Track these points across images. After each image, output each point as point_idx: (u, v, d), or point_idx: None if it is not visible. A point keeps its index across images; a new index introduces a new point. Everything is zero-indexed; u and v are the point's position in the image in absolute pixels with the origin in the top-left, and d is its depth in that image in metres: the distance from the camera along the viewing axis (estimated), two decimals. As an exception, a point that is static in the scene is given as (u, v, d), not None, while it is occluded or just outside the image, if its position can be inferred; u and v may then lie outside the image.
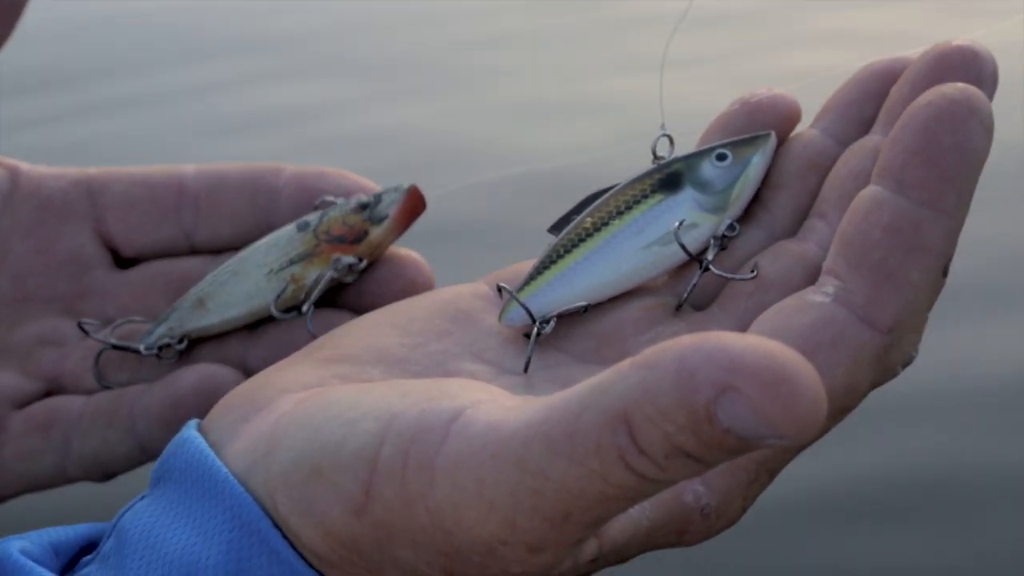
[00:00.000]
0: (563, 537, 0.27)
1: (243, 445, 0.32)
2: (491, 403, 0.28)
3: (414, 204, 0.43)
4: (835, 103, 0.38)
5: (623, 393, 0.25)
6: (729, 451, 0.25)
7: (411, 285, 0.43)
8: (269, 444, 0.31)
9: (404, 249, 0.44)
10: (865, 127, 0.37)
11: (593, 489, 0.26)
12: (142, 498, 0.33)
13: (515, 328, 0.36)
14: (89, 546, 0.34)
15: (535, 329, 0.36)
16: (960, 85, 0.32)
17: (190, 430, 0.33)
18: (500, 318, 0.37)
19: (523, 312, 0.36)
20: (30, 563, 0.31)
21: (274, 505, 0.30)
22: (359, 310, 0.42)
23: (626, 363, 0.26)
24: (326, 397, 0.31)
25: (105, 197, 0.45)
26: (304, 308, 0.42)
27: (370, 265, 0.43)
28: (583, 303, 0.37)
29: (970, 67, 0.34)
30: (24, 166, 0.46)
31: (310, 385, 0.33)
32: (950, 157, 0.31)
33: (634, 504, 0.27)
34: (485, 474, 0.27)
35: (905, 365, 0.34)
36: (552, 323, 0.36)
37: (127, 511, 0.33)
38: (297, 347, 0.39)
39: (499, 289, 0.37)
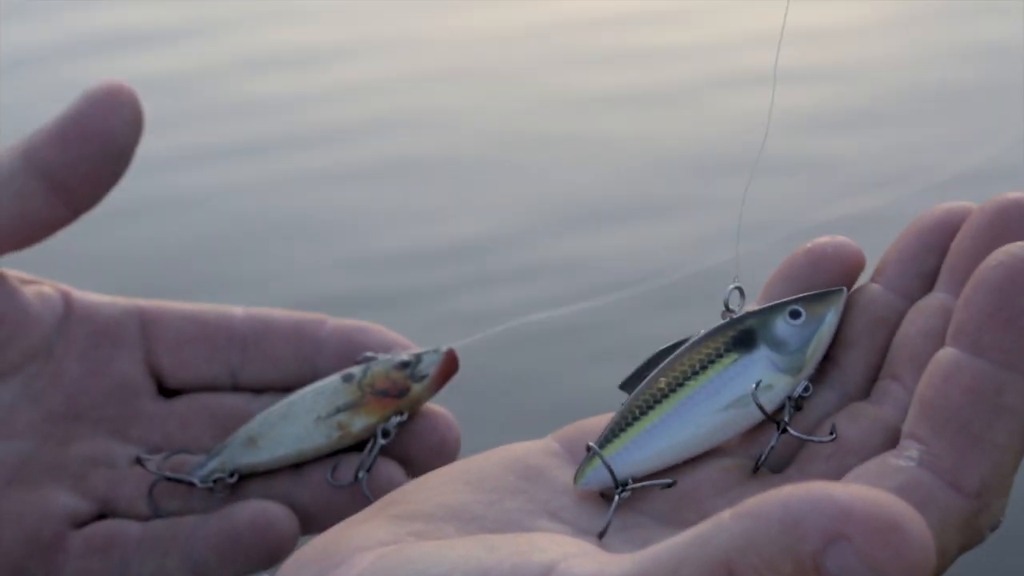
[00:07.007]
0: None
1: None
2: (583, 556, 0.28)
3: (450, 366, 0.46)
4: (894, 257, 0.38)
5: (725, 544, 0.25)
6: None
7: (442, 440, 0.46)
8: None
9: (436, 406, 0.47)
10: (926, 280, 0.37)
11: None
12: None
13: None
14: None
15: (616, 494, 0.35)
16: None
17: None
18: (576, 480, 0.36)
19: (601, 474, 0.36)
20: None
21: None
22: (396, 459, 0.45)
23: (726, 514, 0.25)
24: (406, 554, 0.31)
25: (157, 329, 0.47)
26: (359, 476, 0.45)
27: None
28: (668, 480, 0.36)
29: None
30: (75, 292, 0.47)
31: (385, 542, 0.33)
32: None
33: None
34: None
35: (992, 529, 0.33)
36: (630, 490, 0.36)
37: None
38: (342, 489, 0.44)
39: (588, 448, 0.36)
